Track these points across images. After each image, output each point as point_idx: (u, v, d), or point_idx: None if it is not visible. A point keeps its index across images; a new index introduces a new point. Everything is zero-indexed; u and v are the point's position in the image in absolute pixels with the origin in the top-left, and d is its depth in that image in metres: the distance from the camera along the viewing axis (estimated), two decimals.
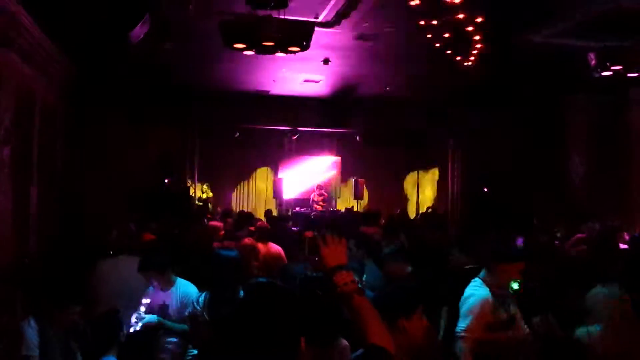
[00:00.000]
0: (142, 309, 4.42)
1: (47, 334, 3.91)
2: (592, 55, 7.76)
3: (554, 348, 3.45)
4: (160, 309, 4.54)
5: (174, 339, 4.57)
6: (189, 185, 13.74)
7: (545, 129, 14.53)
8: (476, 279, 4.10)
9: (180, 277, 4.85)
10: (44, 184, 9.39)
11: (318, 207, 15.15)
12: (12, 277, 6.32)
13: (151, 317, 4.43)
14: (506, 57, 9.58)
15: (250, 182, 16.12)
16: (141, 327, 4.37)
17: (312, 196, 15.60)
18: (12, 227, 7.74)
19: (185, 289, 4.67)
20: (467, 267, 5.24)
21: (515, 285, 3.94)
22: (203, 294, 4.22)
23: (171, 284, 4.68)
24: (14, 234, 7.81)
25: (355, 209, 14.93)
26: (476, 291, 4.02)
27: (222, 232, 7.39)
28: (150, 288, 4.70)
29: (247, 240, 6.39)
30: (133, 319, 4.33)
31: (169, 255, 4.79)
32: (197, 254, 6.07)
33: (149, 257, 4.72)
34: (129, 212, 9.46)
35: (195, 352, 4.47)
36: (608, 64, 7.63)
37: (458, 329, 3.91)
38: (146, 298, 4.60)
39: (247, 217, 9.44)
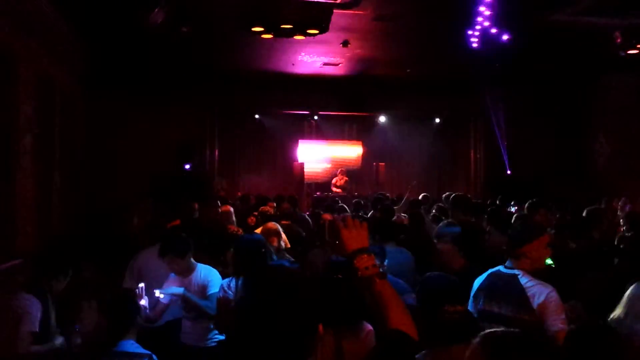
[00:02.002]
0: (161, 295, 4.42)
1: (47, 309, 3.99)
2: (617, 34, 7.58)
3: (587, 334, 3.32)
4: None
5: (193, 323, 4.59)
6: (207, 169, 13.78)
7: (570, 109, 14.32)
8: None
9: (202, 260, 4.84)
10: (67, 169, 9.47)
11: (338, 191, 15.10)
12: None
13: (177, 289, 4.45)
14: (530, 36, 9.41)
15: (270, 166, 16.10)
16: (167, 298, 4.41)
17: (333, 180, 15.55)
18: (35, 212, 7.83)
19: (206, 272, 4.65)
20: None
21: (549, 261, 3.82)
22: (232, 279, 4.21)
23: (191, 270, 4.62)
24: (37, 218, 7.90)
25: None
26: None
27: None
28: (172, 275, 4.66)
29: (271, 225, 6.36)
30: (157, 293, 4.35)
31: (190, 240, 4.74)
32: (218, 236, 6.06)
33: (169, 241, 4.66)
34: (146, 197, 9.48)
35: (220, 337, 4.47)
36: (634, 41, 7.44)
37: None
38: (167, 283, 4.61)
39: (264, 201, 9.46)
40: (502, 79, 12.95)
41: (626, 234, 5.98)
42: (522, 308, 3.56)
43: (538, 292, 3.57)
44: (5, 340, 3.88)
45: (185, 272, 4.60)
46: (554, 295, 3.54)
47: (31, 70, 7.70)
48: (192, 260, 4.67)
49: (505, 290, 3.66)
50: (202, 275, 4.62)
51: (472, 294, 3.84)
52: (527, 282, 3.61)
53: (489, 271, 3.87)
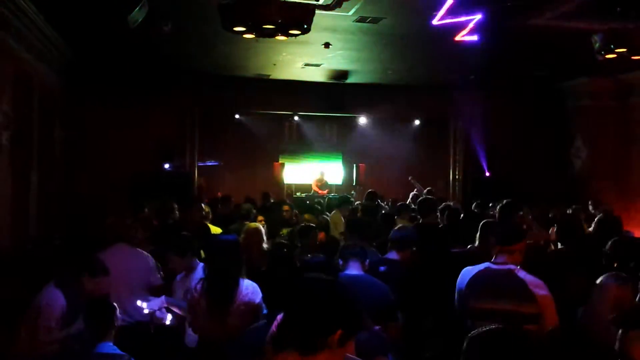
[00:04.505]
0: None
1: (74, 303, 4.03)
2: (596, 38, 7.66)
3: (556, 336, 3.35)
4: (184, 295, 4.52)
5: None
6: (188, 170, 13.71)
7: (548, 112, 14.46)
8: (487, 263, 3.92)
9: None
10: (44, 168, 9.36)
11: (320, 191, 15.15)
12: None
13: (157, 302, 4.46)
14: (508, 40, 9.49)
15: (251, 166, 16.07)
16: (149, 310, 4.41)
17: (314, 181, 15.59)
18: (11, 212, 7.72)
19: None
20: (456, 250, 5.19)
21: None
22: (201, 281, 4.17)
23: (193, 268, 4.67)
24: (13, 218, 7.79)
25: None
26: None
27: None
28: (178, 277, 4.74)
29: (253, 224, 6.36)
30: (140, 304, 4.38)
31: (192, 239, 4.82)
32: (200, 237, 6.03)
33: (170, 240, 4.79)
34: (127, 199, 9.39)
35: None
36: (612, 46, 7.52)
37: None
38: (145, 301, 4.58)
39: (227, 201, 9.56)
40: (480, 81, 13.05)
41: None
42: (525, 301, 3.58)
43: (539, 284, 3.64)
44: (27, 332, 3.98)
45: (187, 271, 4.67)
46: (548, 289, 3.63)
47: (9, 67, 7.59)
48: (195, 259, 4.71)
49: (503, 285, 3.67)
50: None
51: (456, 292, 3.86)
52: (525, 275, 3.67)
53: (475, 268, 3.86)
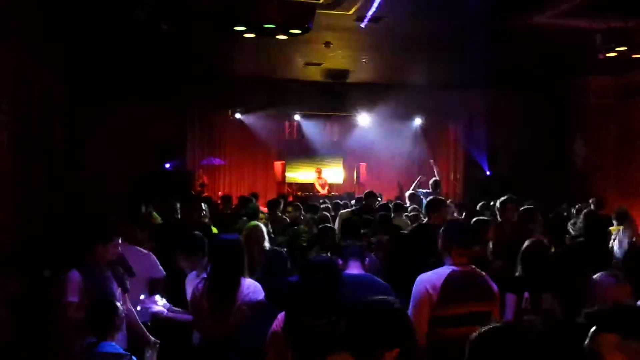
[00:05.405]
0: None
1: (92, 278, 4.10)
2: (597, 37, 7.67)
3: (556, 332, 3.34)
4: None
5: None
6: (188, 168, 13.71)
7: (549, 111, 14.46)
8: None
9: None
10: (44, 168, 9.34)
11: (319, 191, 15.16)
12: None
13: (160, 309, 4.52)
14: (509, 39, 9.49)
15: (251, 167, 16.06)
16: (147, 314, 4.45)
17: (314, 180, 15.60)
18: (12, 210, 7.70)
19: None
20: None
21: None
22: (202, 281, 4.15)
23: (204, 268, 4.55)
24: (15, 217, 7.78)
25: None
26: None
27: None
28: (193, 273, 4.71)
29: (255, 224, 6.34)
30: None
31: (200, 239, 4.81)
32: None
33: (178, 239, 4.79)
34: (127, 198, 9.37)
35: None
36: (613, 45, 7.54)
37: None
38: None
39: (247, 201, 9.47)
40: (480, 80, 13.03)
41: None
42: (490, 299, 3.64)
43: (492, 282, 3.72)
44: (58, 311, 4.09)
45: (199, 269, 4.63)
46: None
47: (9, 67, 7.58)
48: (205, 259, 4.63)
49: (474, 286, 3.64)
50: None
51: (416, 300, 3.65)
52: (480, 273, 3.72)
53: (441, 273, 3.67)
